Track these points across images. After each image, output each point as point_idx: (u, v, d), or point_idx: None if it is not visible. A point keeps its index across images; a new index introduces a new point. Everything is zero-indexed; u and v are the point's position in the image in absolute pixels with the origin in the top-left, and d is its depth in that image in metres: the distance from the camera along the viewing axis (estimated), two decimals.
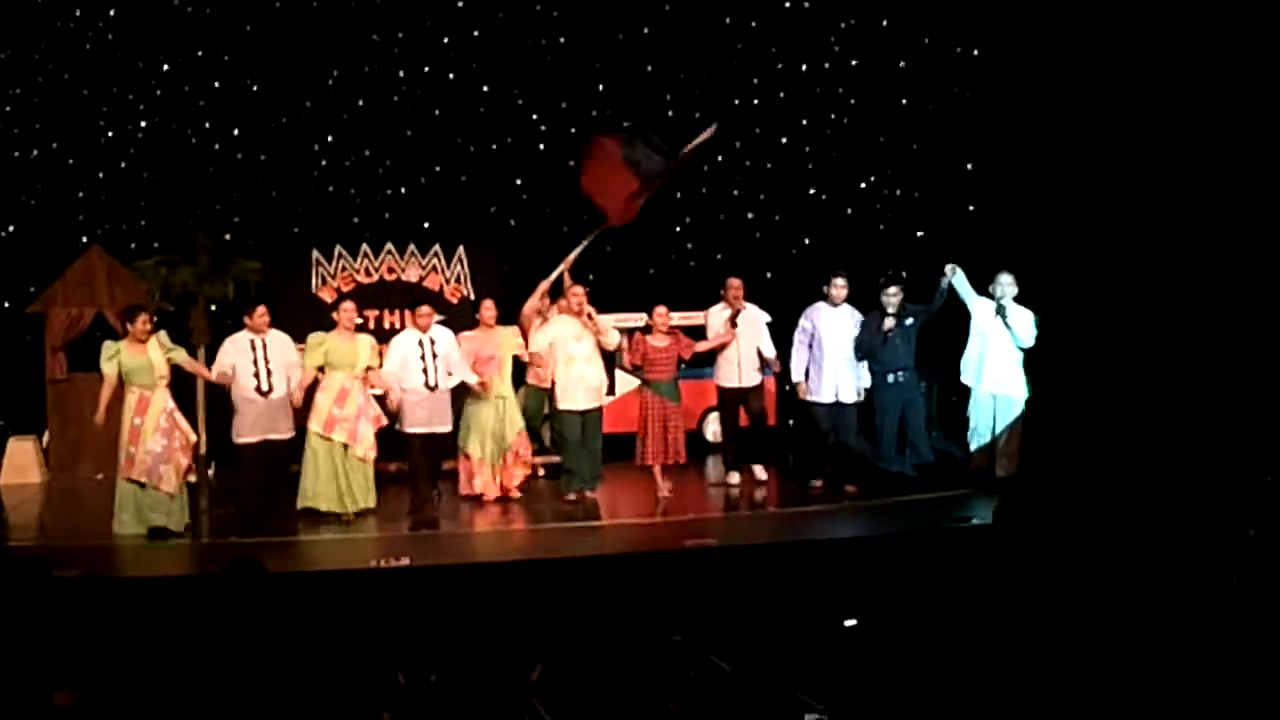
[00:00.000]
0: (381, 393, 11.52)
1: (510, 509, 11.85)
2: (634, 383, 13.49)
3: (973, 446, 11.91)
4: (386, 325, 15.07)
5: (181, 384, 11.47)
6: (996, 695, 5.23)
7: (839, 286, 12.06)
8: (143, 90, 16.51)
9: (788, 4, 16.87)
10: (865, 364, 12.04)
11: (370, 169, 17.03)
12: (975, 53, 15.85)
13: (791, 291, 13.38)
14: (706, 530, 10.47)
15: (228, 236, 16.23)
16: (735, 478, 12.63)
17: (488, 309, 12.15)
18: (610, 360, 12.32)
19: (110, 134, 16.58)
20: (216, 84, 16.63)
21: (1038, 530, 6.56)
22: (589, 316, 11.72)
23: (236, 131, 16.75)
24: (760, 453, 12.73)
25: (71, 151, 16.48)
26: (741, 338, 12.26)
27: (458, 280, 15.80)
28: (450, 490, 12.25)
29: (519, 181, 17.16)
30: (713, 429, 14.62)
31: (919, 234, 16.21)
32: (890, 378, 11.85)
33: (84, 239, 15.68)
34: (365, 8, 16.47)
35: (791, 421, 14.74)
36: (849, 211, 17.00)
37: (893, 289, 11.88)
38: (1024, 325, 11.72)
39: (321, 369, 11.27)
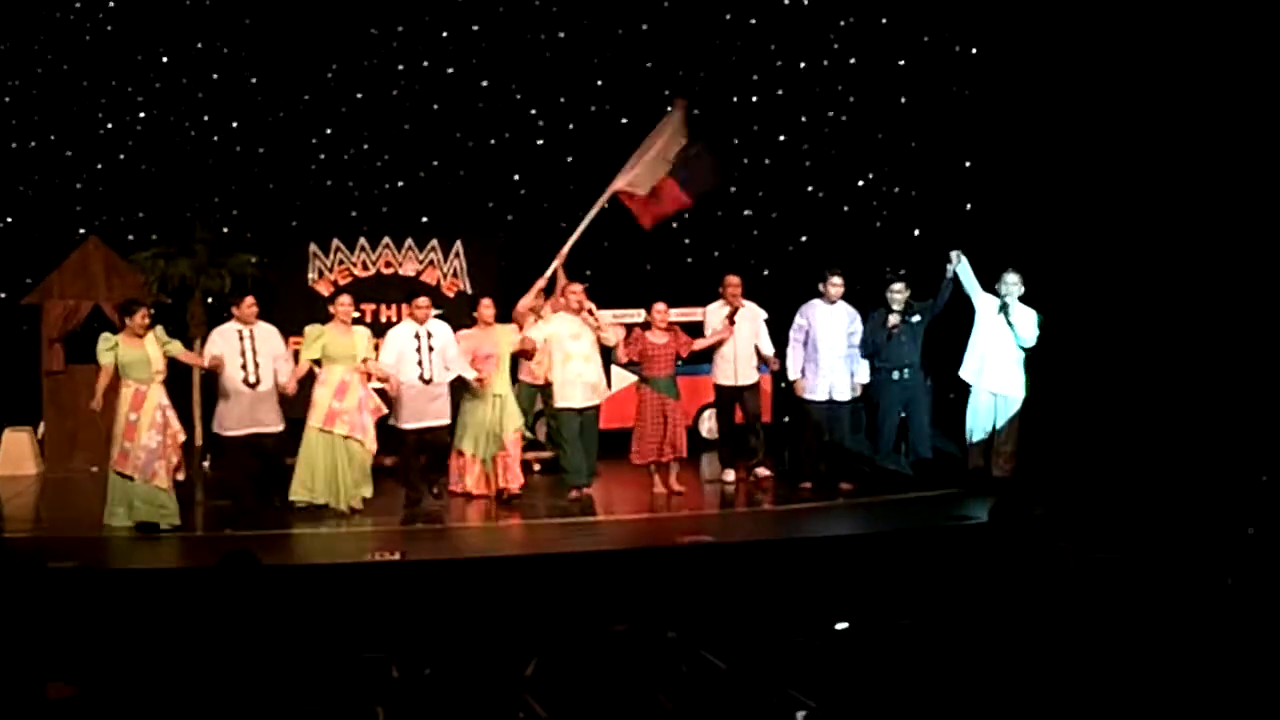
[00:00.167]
0: (381, 386, 11.51)
1: (505, 504, 11.83)
2: (629, 379, 13.49)
3: (970, 442, 11.91)
4: (383, 319, 15.08)
5: (176, 378, 11.45)
6: (991, 694, 5.23)
7: (834, 284, 12.04)
8: (141, 82, 16.52)
9: (787, 1, 16.86)
10: (862, 361, 12.03)
11: (368, 162, 17.04)
12: (974, 51, 15.85)
13: (788, 289, 13.37)
14: (701, 527, 10.47)
15: (225, 229, 16.24)
16: (730, 474, 12.63)
17: (486, 307, 12.06)
18: (607, 356, 12.29)
19: (109, 125, 16.59)
20: (215, 76, 16.64)
21: (1033, 530, 6.57)
22: (589, 313, 11.70)
23: (235, 124, 16.76)
24: (758, 451, 12.66)
25: (69, 143, 16.49)
26: (739, 335, 12.23)
27: (455, 274, 15.81)
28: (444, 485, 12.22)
29: (517, 176, 17.16)
30: (708, 425, 14.63)
31: (916, 232, 16.22)
32: (896, 375, 11.87)
33: (81, 230, 15.69)
34: (364, 2, 16.46)
35: (787, 419, 14.73)
36: (846, 209, 17.02)
37: (898, 285, 11.90)
38: (1026, 325, 11.71)
39: (319, 363, 11.24)
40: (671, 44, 16.75)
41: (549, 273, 12.06)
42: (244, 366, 11.04)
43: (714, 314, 12.41)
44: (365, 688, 5.76)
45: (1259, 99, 12.38)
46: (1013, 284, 11.72)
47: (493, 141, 17.06)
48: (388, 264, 15.75)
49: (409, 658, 5.97)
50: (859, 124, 16.82)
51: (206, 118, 16.68)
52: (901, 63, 16.47)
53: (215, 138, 16.73)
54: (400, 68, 16.90)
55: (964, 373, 11.93)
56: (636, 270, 16.47)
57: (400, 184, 17.10)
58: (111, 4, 16.30)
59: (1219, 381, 12.36)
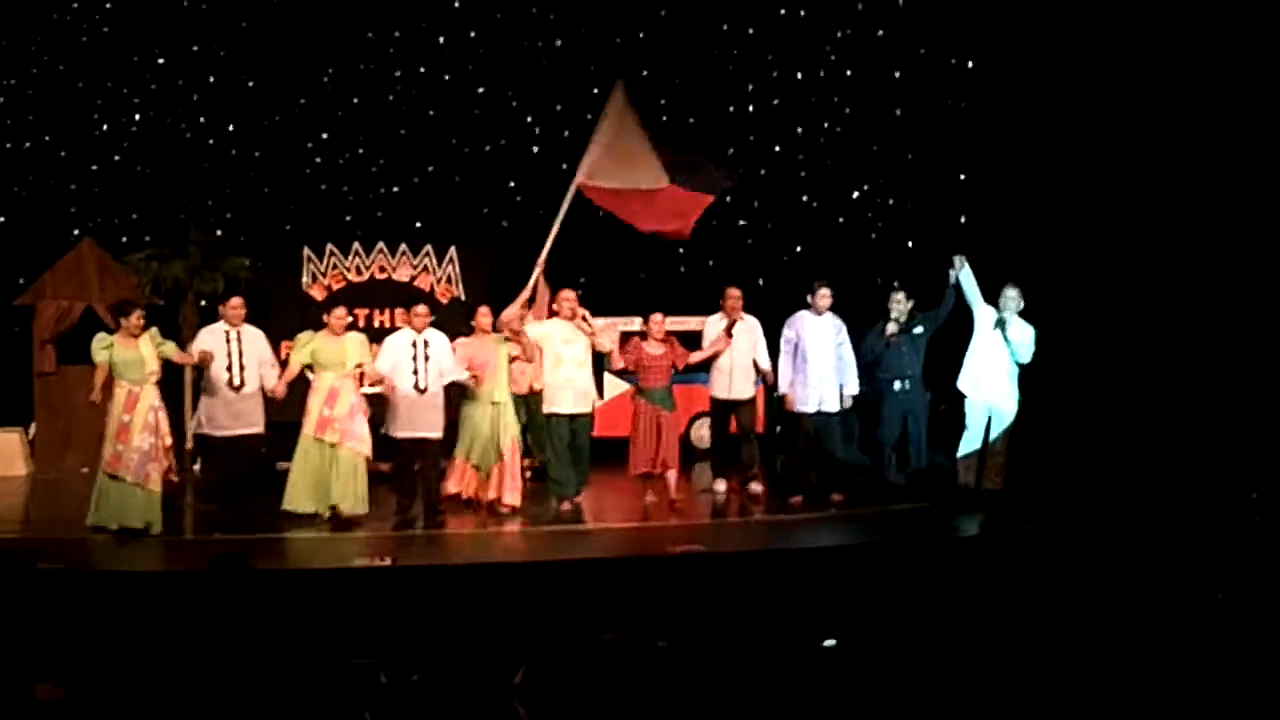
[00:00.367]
0: (374, 390, 11.47)
1: (496, 511, 11.78)
2: (622, 387, 13.47)
3: (961, 453, 11.92)
4: (376, 324, 15.07)
5: (167, 380, 11.41)
6: (980, 706, 5.23)
7: (823, 295, 12.01)
8: (137, 84, 16.53)
9: (784, 12, 16.90)
10: (852, 371, 12.01)
11: (363, 167, 17.04)
12: (970, 64, 15.88)
13: (783, 299, 13.36)
14: (692, 536, 10.47)
15: (219, 232, 16.23)
16: (722, 485, 12.62)
17: (484, 315, 11.92)
18: (599, 364, 12.26)
19: (104, 127, 16.61)
20: (211, 79, 16.65)
21: (1024, 543, 6.58)
22: (583, 319, 11.66)
23: (231, 127, 16.76)
24: (751, 466, 12.58)
25: (64, 144, 16.49)
26: (737, 348, 12.18)
27: (449, 280, 15.80)
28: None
29: (512, 183, 17.17)
30: (698, 435, 14.61)
31: (910, 244, 16.24)
32: (896, 385, 11.90)
33: (75, 231, 15.68)
34: (361, 6, 16.47)
35: (779, 429, 14.73)
36: (841, 220, 17.03)
37: (899, 295, 11.92)
38: (1023, 341, 11.73)
39: (312, 368, 11.18)
40: (668, 54, 16.77)
41: (531, 283, 11.95)
42: (229, 368, 11.00)
43: (713, 326, 12.38)
44: (353, 693, 5.74)
45: (1253, 114, 12.42)
46: (1012, 299, 11.74)
47: (488, 148, 17.07)
48: (381, 269, 15.75)
49: (397, 664, 5.96)
50: (854, 135, 16.84)
51: (202, 120, 16.69)
52: (897, 75, 16.50)
53: (210, 140, 16.74)
54: (397, 73, 16.92)
55: (960, 384, 11.95)
56: (630, 279, 16.47)
57: (395, 189, 17.10)
58: (108, 5, 16.29)
59: (1210, 396, 12.39)
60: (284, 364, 11.56)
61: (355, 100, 16.83)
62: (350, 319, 11.57)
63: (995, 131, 14.91)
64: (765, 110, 17.08)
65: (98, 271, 14.59)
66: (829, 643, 6.42)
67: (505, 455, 11.56)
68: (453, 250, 15.85)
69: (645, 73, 16.80)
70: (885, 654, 6.00)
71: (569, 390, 11.56)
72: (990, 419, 11.78)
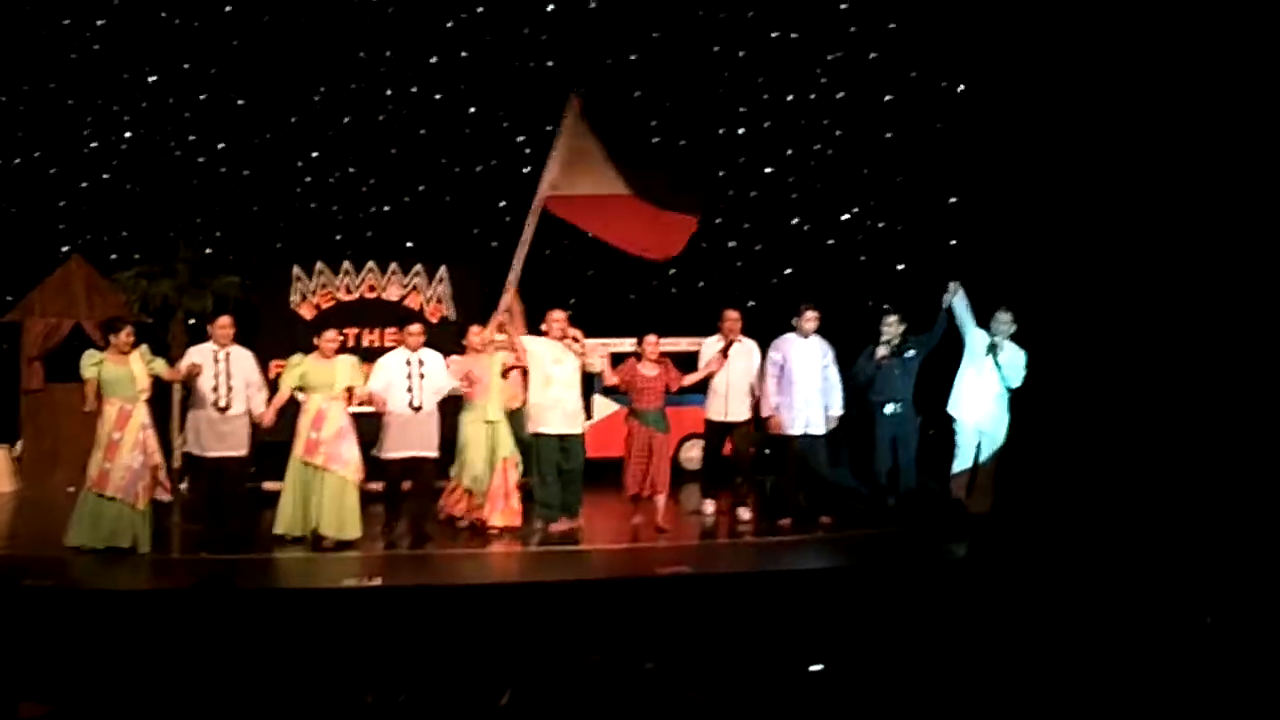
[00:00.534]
0: (363, 410, 11.43)
1: (485, 532, 11.75)
2: (612, 408, 13.45)
3: (954, 471, 11.92)
4: (365, 343, 15.03)
5: (154, 399, 11.37)
6: None
7: (808, 318, 11.99)
8: (127, 101, 16.55)
9: (775, 34, 16.95)
10: (838, 393, 11.99)
11: (354, 186, 17.05)
12: (961, 87, 15.94)
13: (772, 321, 13.36)
14: (681, 558, 10.45)
15: (208, 250, 16.22)
16: (711, 506, 12.59)
17: (475, 334, 11.95)
18: (589, 384, 12.23)
19: (93, 144, 16.60)
20: (202, 97, 16.65)
21: (1011, 567, 6.57)
22: (574, 339, 11.63)
23: (221, 145, 16.76)
24: (741, 491, 12.54)
25: (53, 160, 16.48)
26: (734, 372, 12.11)
27: (438, 300, 15.77)
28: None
29: (503, 203, 17.18)
30: (687, 456, 14.59)
31: (900, 266, 16.27)
32: (888, 409, 11.88)
33: (64, 248, 15.65)
34: (353, 26, 16.51)
35: (767, 450, 14.73)
36: (831, 242, 17.07)
37: (891, 318, 11.92)
38: (1014, 365, 11.74)
39: (303, 390, 11.12)
40: (660, 75, 16.81)
41: (502, 305, 11.93)
42: (215, 389, 10.93)
43: (709, 348, 12.32)
44: (339, 714, 5.72)
45: (1242, 137, 12.47)
46: (1004, 323, 11.77)
47: (479, 168, 17.09)
48: (371, 288, 15.72)
49: (384, 684, 5.94)
50: (845, 157, 16.89)
51: (192, 138, 16.69)
52: (888, 97, 16.55)
53: (200, 158, 16.74)
54: (388, 92, 16.94)
55: (950, 407, 11.95)
56: (619, 300, 16.47)
57: (385, 208, 17.10)
58: (99, 23, 16.31)
59: (1198, 419, 12.41)
60: (272, 384, 11.52)
61: (346, 119, 16.85)
62: (341, 339, 11.53)
63: (986, 154, 14.95)
64: (756, 132, 17.12)
65: (86, 289, 14.57)
66: (815, 668, 6.40)
67: (497, 475, 11.56)
68: (443, 270, 15.82)
69: (637, 94, 16.86)
70: (872, 677, 5.99)
71: (557, 410, 11.51)
72: (980, 442, 11.79)
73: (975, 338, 11.84)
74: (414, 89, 16.99)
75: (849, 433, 12.35)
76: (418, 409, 11.23)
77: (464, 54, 16.96)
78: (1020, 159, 14.34)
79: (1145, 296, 13.06)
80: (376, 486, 11.70)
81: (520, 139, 17.18)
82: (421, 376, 11.29)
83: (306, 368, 11.02)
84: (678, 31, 16.82)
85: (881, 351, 11.86)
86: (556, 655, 6.63)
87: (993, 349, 11.72)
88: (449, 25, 16.98)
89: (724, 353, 12.03)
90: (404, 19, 16.81)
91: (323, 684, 6.09)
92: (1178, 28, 13.05)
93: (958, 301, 11.83)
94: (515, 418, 11.99)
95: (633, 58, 16.98)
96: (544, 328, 11.72)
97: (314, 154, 16.92)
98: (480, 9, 17.10)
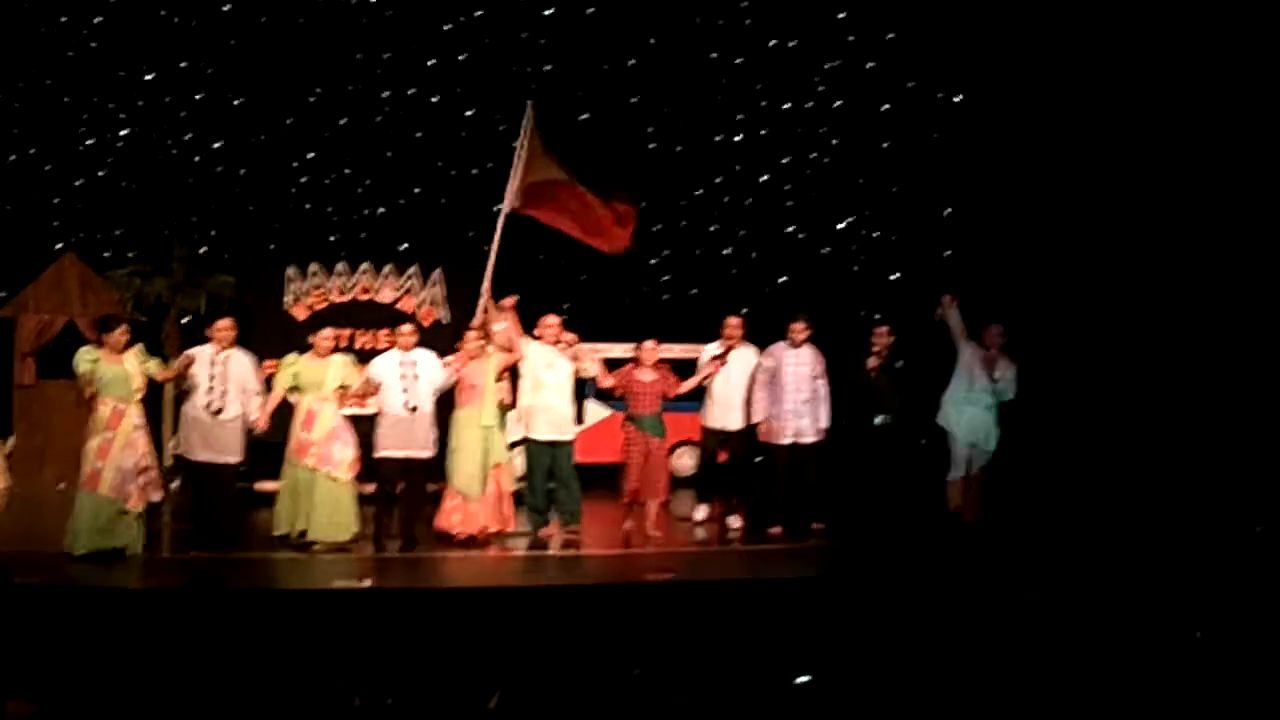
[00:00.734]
0: (355, 411, 11.40)
1: (477, 537, 11.71)
2: (604, 412, 13.44)
3: (950, 479, 11.94)
4: (358, 345, 15.00)
5: (146, 398, 11.34)
6: None
7: (799, 329, 11.96)
8: (124, 99, 16.53)
9: (772, 43, 16.97)
10: (827, 404, 11.97)
11: (349, 187, 17.04)
12: (958, 98, 15.97)
13: (766, 329, 13.36)
14: (670, 564, 10.45)
15: (203, 249, 16.20)
16: (703, 511, 12.59)
17: (472, 339, 11.90)
18: (580, 390, 12.20)
19: (89, 141, 16.58)
20: (198, 96, 16.64)
21: (1000, 575, 6.59)
22: (568, 345, 11.61)
23: (216, 144, 16.75)
24: (733, 500, 12.51)
25: (48, 158, 16.46)
26: (732, 379, 12.04)
27: (432, 303, 15.73)
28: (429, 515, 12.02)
29: (498, 207, 17.16)
30: (679, 462, 14.57)
31: (894, 276, 16.30)
32: (877, 419, 11.88)
33: (58, 245, 15.63)
34: (350, 27, 16.51)
35: (758, 459, 14.73)
36: (826, 250, 17.08)
37: (882, 329, 11.91)
38: (1006, 377, 11.76)
39: (295, 390, 11.08)
40: (657, 83, 16.82)
41: (479, 312, 11.90)
42: (209, 391, 10.80)
43: (709, 355, 12.30)
44: (327, 716, 5.72)
45: (1235, 149, 12.51)
46: (995, 336, 11.78)
47: (474, 171, 17.07)
48: (365, 290, 15.68)
49: (372, 687, 5.94)
50: (841, 167, 16.91)
51: (188, 137, 16.68)
52: (885, 107, 16.58)
53: (196, 157, 16.72)
54: (385, 94, 16.93)
55: (940, 419, 11.96)
56: (613, 305, 16.46)
57: (381, 210, 17.10)
58: (96, 20, 16.30)
59: (1189, 432, 12.44)
60: (265, 384, 11.47)
61: (343, 120, 16.85)
62: (336, 339, 11.50)
63: (982, 165, 14.98)
64: (752, 140, 17.14)
65: (79, 286, 14.55)
66: (802, 679, 6.40)
67: (490, 481, 11.48)
68: (438, 272, 15.79)
69: (634, 100, 16.88)
70: (860, 685, 6.00)
71: (546, 417, 11.48)
72: (971, 454, 11.81)
73: (967, 350, 11.85)
74: (411, 91, 16.99)
75: (840, 444, 12.28)
76: (413, 410, 11.18)
77: (460, 57, 16.96)
78: (1016, 171, 14.37)
79: (1136, 309, 13.09)
80: (368, 488, 11.66)
81: (515, 144, 17.15)
82: (415, 377, 11.24)
83: (300, 367, 10.99)
84: (676, 39, 16.83)
85: (871, 363, 11.85)
86: (545, 659, 6.63)
87: (986, 362, 11.73)
88: (446, 28, 16.99)
89: (722, 358, 11.99)
90: (401, 21, 16.81)
91: (311, 685, 6.09)
92: (1174, 41, 13.09)
93: (952, 316, 11.83)
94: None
95: (630, 63, 16.98)
96: (537, 332, 11.69)
97: (310, 154, 16.92)
98: (478, 12, 17.11)
